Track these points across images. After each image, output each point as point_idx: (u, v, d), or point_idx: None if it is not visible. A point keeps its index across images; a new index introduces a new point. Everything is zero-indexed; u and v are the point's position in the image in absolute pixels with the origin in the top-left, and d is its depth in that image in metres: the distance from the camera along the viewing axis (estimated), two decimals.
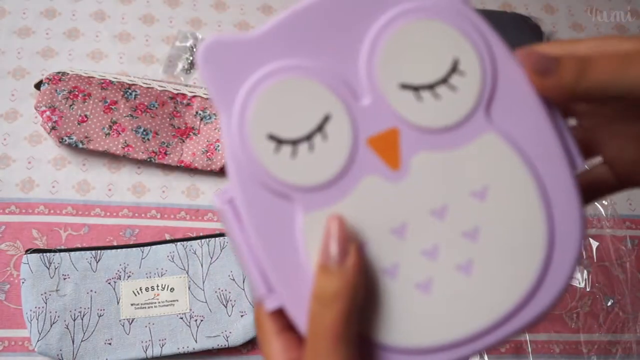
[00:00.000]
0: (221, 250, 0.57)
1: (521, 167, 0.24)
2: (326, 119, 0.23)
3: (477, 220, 0.23)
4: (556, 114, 0.24)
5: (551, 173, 0.24)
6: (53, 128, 0.58)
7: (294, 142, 0.23)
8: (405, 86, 0.24)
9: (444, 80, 0.24)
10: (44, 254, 0.53)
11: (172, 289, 0.55)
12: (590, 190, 0.27)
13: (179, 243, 0.57)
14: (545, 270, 0.23)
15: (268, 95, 0.23)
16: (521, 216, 0.23)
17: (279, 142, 0.23)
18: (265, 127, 0.23)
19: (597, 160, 0.27)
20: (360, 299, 0.22)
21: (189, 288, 0.55)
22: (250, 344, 0.56)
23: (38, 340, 0.51)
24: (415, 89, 0.24)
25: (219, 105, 0.23)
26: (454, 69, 0.24)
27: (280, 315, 0.23)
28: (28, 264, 0.53)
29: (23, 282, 0.53)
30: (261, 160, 0.23)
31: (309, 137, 0.23)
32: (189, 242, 0.57)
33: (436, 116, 0.24)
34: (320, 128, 0.23)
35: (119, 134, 0.59)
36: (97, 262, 0.55)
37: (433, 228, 0.23)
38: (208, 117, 0.63)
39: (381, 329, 0.23)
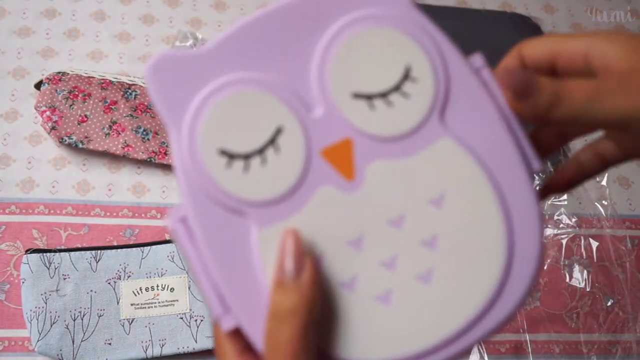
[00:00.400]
0: None
1: (477, 172, 0.23)
2: (278, 131, 0.23)
3: (435, 228, 0.23)
4: (510, 118, 0.24)
5: (508, 177, 0.23)
6: (53, 128, 0.58)
7: (246, 157, 0.22)
8: (357, 95, 0.23)
9: (397, 88, 0.23)
10: (44, 254, 0.53)
11: (172, 289, 0.55)
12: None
13: None
14: (506, 275, 0.23)
15: (218, 109, 0.23)
16: (479, 222, 0.23)
17: (231, 157, 0.22)
18: (216, 142, 0.22)
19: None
20: (317, 314, 0.21)
21: (189, 288, 0.55)
22: None
23: (38, 340, 0.51)
24: (368, 97, 0.23)
25: (168, 120, 0.23)
26: (407, 76, 0.23)
27: (240, 335, 0.23)
28: (28, 264, 0.53)
29: (23, 282, 0.52)
30: (213, 176, 0.22)
31: (261, 151, 0.23)
32: None
33: (390, 124, 0.23)
34: (272, 141, 0.23)
35: (119, 134, 0.59)
36: (97, 262, 0.55)
37: (391, 238, 0.23)
38: None
39: (341, 344, 0.22)
